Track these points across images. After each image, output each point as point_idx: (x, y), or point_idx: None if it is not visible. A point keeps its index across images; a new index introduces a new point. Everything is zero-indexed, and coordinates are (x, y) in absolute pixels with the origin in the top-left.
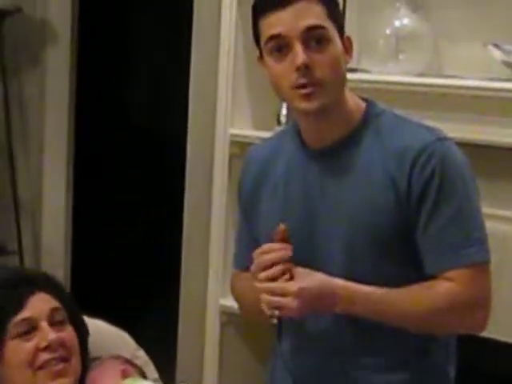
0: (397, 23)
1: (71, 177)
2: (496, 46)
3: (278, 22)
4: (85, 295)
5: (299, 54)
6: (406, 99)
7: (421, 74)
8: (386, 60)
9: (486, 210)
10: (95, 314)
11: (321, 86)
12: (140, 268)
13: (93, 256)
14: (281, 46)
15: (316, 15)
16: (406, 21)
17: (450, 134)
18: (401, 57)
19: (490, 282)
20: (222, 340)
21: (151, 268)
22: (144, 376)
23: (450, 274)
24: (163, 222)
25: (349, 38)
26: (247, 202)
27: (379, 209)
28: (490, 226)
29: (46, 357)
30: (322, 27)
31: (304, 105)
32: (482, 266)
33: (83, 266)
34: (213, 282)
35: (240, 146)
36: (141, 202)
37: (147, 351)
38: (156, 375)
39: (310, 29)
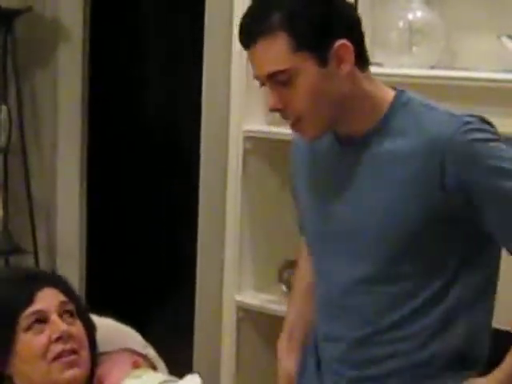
0: (410, 16)
1: (85, 176)
2: (510, 37)
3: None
4: (100, 293)
5: (269, 99)
6: (419, 92)
7: (434, 67)
8: (399, 53)
9: None
10: (110, 311)
11: (301, 120)
12: (155, 265)
13: (108, 254)
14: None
15: (275, 57)
16: (419, 13)
17: None
18: (414, 49)
19: None
20: (238, 336)
21: (167, 265)
22: (154, 368)
23: None
24: (178, 218)
25: (343, 46)
26: (292, 178)
27: (406, 200)
28: None
29: (59, 348)
30: (282, 71)
31: (301, 136)
32: None
33: (98, 264)
34: (228, 278)
35: (254, 142)
36: (156, 199)
37: (163, 349)
38: (165, 372)
39: (271, 75)
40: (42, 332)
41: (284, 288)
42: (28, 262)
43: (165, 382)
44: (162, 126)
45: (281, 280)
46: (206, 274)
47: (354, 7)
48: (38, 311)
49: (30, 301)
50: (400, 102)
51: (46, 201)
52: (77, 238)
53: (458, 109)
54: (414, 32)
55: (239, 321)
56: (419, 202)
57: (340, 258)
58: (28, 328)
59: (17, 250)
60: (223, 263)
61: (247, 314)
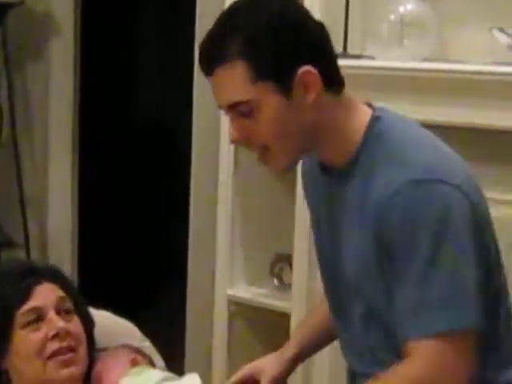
0: (401, 9)
1: (76, 170)
2: (501, 30)
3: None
4: (91, 287)
5: (231, 131)
6: (411, 85)
7: (426, 60)
8: (390, 46)
9: (497, 195)
10: (102, 305)
11: (266, 152)
12: (147, 259)
13: (99, 248)
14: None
15: (234, 87)
16: (410, 6)
17: (456, 120)
18: (405, 42)
19: (466, 357)
20: (230, 329)
21: (158, 259)
22: (153, 365)
23: (412, 344)
24: (170, 213)
25: (307, 73)
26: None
27: (363, 259)
28: (501, 211)
29: (55, 346)
30: (243, 102)
31: (268, 169)
32: (449, 336)
33: (90, 258)
34: (220, 272)
35: None
36: (147, 193)
37: (155, 343)
38: (163, 365)
39: (232, 106)
40: (38, 329)
41: (275, 281)
42: (19, 255)
43: (163, 380)
44: (154, 118)
45: (272, 273)
46: (197, 268)
47: (319, 24)
48: (35, 308)
49: (27, 297)
50: (373, 134)
51: (38, 195)
52: (68, 232)
53: (449, 102)
54: (405, 25)
55: (231, 314)
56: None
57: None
58: (24, 325)
59: (8, 244)
60: (215, 257)
61: (239, 308)
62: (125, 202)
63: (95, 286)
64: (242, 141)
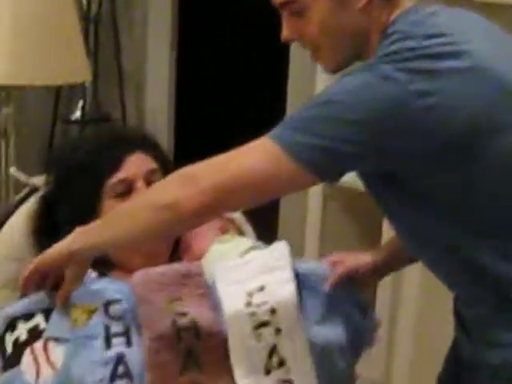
0: None
1: (175, 47)
2: None
3: None
4: (188, 162)
5: (283, 30)
6: None
7: None
8: None
9: None
10: None
11: (318, 51)
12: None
13: (196, 123)
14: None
15: None
16: None
17: None
18: None
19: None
20: (324, 214)
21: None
22: (242, 234)
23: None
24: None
25: None
26: None
27: None
28: None
29: None
30: (294, 1)
31: (322, 67)
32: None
33: (187, 134)
34: None
35: None
36: (243, 71)
37: (249, 212)
38: (253, 236)
39: (284, 4)
40: (127, 200)
41: None
42: None
43: (252, 247)
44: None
45: None
46: None
47: None
48: (125, 179)
49: (117, 167)
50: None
51: (136, 72)
52: (165, 110)
53: None
54: None
55: (325, 198)
56: None
57: None
58: (114, 195)
59: (106, 119)
60: None
61: (334, 192)
62: (222, 82)
63: (191, 160)
64: (293, 39)
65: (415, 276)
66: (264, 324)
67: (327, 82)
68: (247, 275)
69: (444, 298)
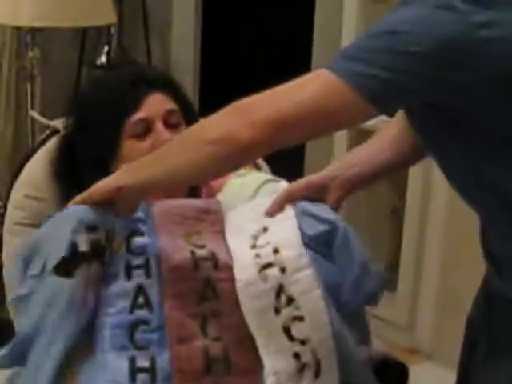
0: None
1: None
2: None
3: None
4: (213, 105)
5: None
6: None
7: None
8: None
9: None
10: None
11: None
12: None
13: (221, 70)
14: None
15: None
16: None
17: None
18: None
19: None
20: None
21: None
22: (258, 169)
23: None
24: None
25: None
26: None
27: None
28: None
29: None
30: None
31: None
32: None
33: (212, 80)
34: None
35: None
36: (270, 32)
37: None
38: (269, 172)
39: None
40: (145, 139)
41: None
42: None
43: (268, 181)
44: None
45: None
46: None
47: None
48: (144, 119)
49: (136, 107)
50: None
51: (162, 18)
52: (191, 55)
53: None
54: None
55: (351, 139)
56: None
57: None
58: (132, 135)
59: (131, 64)
60: None
61: (360, 135)
62: (248, 28)
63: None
64: None
65: (440, 217)
66: (269, 265)
67: (353, 31)
68: (253, 218)
69: (470, 237)
